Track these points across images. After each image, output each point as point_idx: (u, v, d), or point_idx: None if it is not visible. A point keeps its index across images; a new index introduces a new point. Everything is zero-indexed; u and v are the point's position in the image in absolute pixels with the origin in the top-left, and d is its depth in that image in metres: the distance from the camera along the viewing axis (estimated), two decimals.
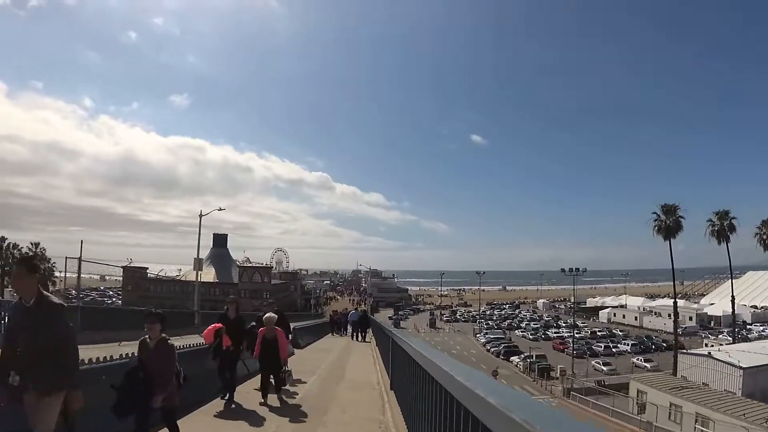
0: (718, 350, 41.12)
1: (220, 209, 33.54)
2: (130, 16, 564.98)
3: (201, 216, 29.90)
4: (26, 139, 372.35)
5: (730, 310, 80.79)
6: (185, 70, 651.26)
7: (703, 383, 36.97)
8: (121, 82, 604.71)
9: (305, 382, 11.34)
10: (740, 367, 35.77)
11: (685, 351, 43.81)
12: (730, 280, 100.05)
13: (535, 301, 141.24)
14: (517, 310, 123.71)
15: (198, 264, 29.25)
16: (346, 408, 9.12)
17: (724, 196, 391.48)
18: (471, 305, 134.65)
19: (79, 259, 20.23)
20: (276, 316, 9.48)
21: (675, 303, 48.05)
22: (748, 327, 72.06)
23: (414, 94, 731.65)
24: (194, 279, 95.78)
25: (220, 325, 8.84)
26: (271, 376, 9.41)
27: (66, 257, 20.88)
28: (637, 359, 55.13)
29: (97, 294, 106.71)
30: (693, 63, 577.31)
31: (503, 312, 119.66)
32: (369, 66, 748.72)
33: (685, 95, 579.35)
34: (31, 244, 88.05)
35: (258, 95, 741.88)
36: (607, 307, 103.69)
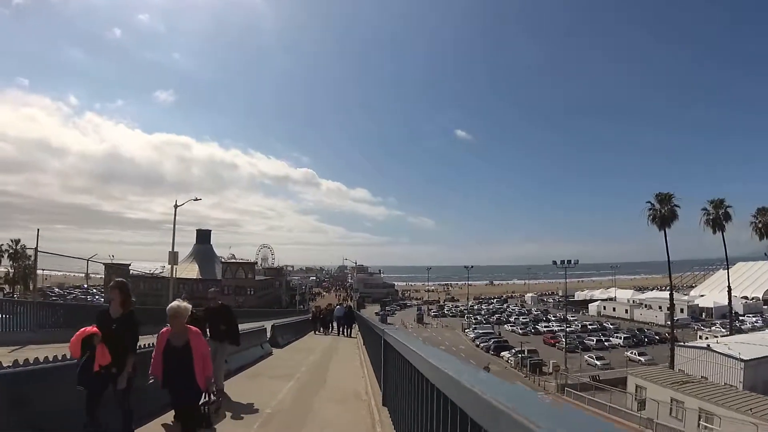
0: (717, 342, 39.93)
1: (196, 199, 31.12)
2: (115, 13, 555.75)
3: (176, 206, 27.64)
4: (12, 136, 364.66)
5: (721, 301, 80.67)
6: (170, 68, 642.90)
7: (702, 377, 35.70)
8: (106, 80, 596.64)
9: (257, 410, 7.91)
10: (741, 360, 34.54)
11: (682, 344, 42.56)
12: (719, 272, 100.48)
13: (523, 296, 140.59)
14: (505, 305, 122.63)
15: (173, 257, 26.97)
16: (325, 427, 7.13)
17: (709, 193, 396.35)
18: (458, 300, 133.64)
19: (35, 250, 18.30)
20: (188, 306, 5.58)
21: (671, 294, 46.72)
22: (740, 318, 71.46)
23: (400, 91, 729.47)
24: (179, 275, 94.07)
25: (92, 329, 5.28)
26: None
27: (17, 247, 18.81)
28: (631, 353, 53.95)
29: (80, 291, 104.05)
30: (681, 64, 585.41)
31: (491, 306, 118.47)
32: (354, 63, 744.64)
33: (673, 95, 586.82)
34: (11, 240, 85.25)
35: (243, 92, 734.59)
36: (597, 300, 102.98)
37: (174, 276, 32.65)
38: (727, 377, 34.88)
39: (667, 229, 45.06)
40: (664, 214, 44.15)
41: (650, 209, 45.16)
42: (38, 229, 20.28)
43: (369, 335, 14.30)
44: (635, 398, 34.16)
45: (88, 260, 26.68)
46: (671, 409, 30.59)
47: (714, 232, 46.48)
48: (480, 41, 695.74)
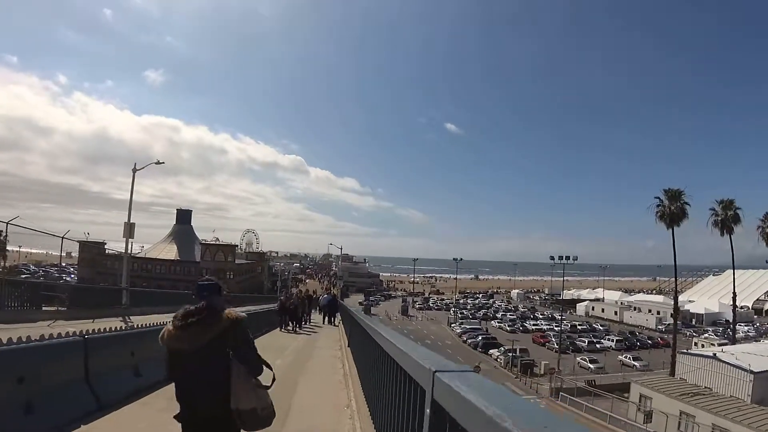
0: (722, 351, 37.74)
1: (158, 162, 27.58)
2: None
3: (134, 170, 24.12)
4: None
5: (712, 308, 79.44)
6: (161, 49, 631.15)
7: (705, 387, 33.42)
8: (95, 59, 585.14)
9: None
10: (751, 372, 32.34)
11: (686, 351, 40.31)
12: (708, 278, 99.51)
13: (509, 292, 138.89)
14: (491, 300, 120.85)
15: (128, 230, 23.50)
16: None
17: (704, 198, 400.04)
18: (443, 293, 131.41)
19: None
20: None
21: (676, 298, 44.20)
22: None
23: (393, 82, 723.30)
24: (157, 256, 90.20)
25: None
26: None
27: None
28: (625, 357, 51.97)
29: (56, 270, 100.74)
30: (673, 69, 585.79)
31: (477, 301, 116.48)
32: (348, 52, 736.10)
33: (663, 99, 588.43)
34: None
35: (235, 77, 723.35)
36: (585, 300, 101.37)
37: (129, 253, 29.21)
38: (734, 389, 32.68)
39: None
40: (673, 212, 41.54)
41: (658, 206, 42.51)
42: None
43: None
44: (640, 409, 31.72)
45: (62, 237, 23.61)
46: (680, 422, 28.24)
47: (722, 234, 44.15)
48: (474, 36, 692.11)
